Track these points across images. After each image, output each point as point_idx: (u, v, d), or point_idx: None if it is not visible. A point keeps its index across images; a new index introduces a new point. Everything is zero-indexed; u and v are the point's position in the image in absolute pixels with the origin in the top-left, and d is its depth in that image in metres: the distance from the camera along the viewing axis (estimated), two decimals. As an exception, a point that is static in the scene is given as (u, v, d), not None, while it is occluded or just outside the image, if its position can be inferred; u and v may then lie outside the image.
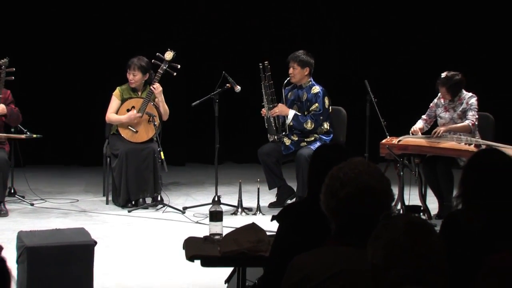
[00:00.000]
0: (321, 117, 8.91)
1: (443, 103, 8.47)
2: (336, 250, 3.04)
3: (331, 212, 3.10)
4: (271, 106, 9.00)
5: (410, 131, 8.47)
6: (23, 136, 8.72)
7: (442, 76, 8.35)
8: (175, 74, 9.08)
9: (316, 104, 8.90)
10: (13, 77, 8.66)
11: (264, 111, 9.05)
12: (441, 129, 8.29)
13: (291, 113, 8.94)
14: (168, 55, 9.06)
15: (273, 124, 9.03)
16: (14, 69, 8.66)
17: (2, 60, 8.68)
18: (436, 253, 2.46)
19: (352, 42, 11.72)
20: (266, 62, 8.98)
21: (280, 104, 9.02)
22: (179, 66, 9.05)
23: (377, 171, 3.10)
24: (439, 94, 8.48)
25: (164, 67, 9.05)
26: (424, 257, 2.43)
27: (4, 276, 4.33)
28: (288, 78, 9.00)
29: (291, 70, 8.94)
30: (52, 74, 11.27)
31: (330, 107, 9.01)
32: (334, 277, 2.96)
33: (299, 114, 8.94)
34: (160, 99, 9.08)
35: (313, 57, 8.97)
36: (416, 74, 11.09)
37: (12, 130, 8.86)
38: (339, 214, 3.07)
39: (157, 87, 9.03)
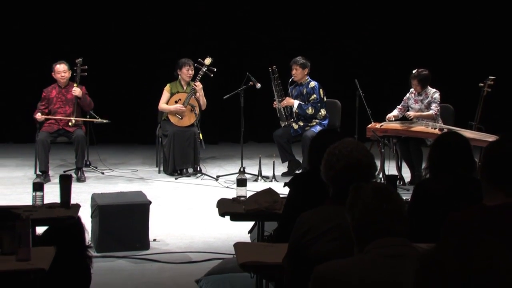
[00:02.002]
0: (319, 104, 8.90)
1: (413, 97, 8.44)
2: (333, 208, 3.03)
3: (329, 180, 3.09)
4: (281, 99, 9.00)
5: (386, 117, 8.45)
6: (95, 120, 8.76)
7: (413, 72, 8.35)
8: (212, 75, 9.06)
9: (314, 95, 8.90)
10: (86, 73, 8.67)
11: (275, 103, 9.04)
12: (411, 114, 8.29)
13: (296, 103, 8.94)
14: (207, 60, 9.03)
15: (283, 113, 9.03)
16: (86, 66, 8.67)
17: (78, 60, 8.70)
18: (399, 206, 2.44)
19: (345, 49, 11.66)
20: (274, 66, 8.99)
21: (287, 97, 9.02)
22: (215, 69, 9.02)
23: (364, 148, 3.09)
24: (411, 89, 8.46)
25: (204, 70, 9.02)
26: (391, 212, 2.42)
27: (80, 228, 4.36)
28: (291, 78, 9.00)
29: (294, 71, 8.95)
30: (118, 74, 11.27)
31: (325, 98, 9.00)
32: (331, 228, 2.96)
33: (302, 103, 8.93)
34: (201, 93, 9.06)
35: (309, 60, 8.97)
36: (394, 74, 11.02)
37: (87, 116, 8.89)
38: (335, 181, 3.07)
39: (198, 85, 9.01)
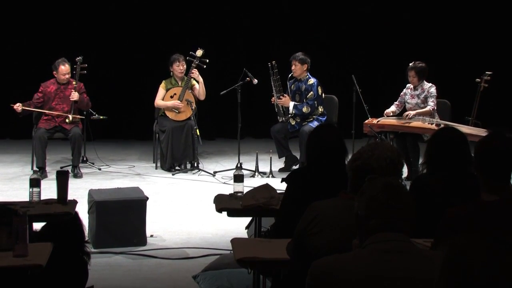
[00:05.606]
0: (315, 102, 8.86)
1: (410, 92, 8.45)
2: (345, 202, 3.04)
3: (348, 172, 3.12)
4: (279, 95, 8.98)
5: (384, 113, 8.46)
6: (92, 117, 8.76)
7: (410, 64, 8.37)
8: (204, 66, 9.05)
9: (312, 93, 8.86)
10: (85, 71, 8.68)
11: (273, 99, 9.03)
12: (411, 113, 8.27)
13: (291, 104, 8.89)
14: (199, 52, 9.03)
15: (281, 109, 9.02)
16: (86, 65, 8.67)
17: (78, 58, 8.70)
18: (405, 206, 2.45)
19: (343, 46, 11.65)
20: (273, 61, 8.98)
21: (285, 97, 8.96)
22: (207, 61, 9.02)
23: (387, 158, 3.07)
24: (407, 84, 8.47)
25: (196, 62, 9.02)
26: (396, 209, 2.42)
27: (78, 224, 4.36)
28: (291, 73, 8.99)
29: (293, 67, 8.92)
30: (115, 70, 11.25)
31: (323, 94, 8.97)
32: (337, 222, 3.01)
33: (297, 103, 8.89)
34: (200, 80, 9.04)
35: (309, 56, 8.95)
36: (391, 69, 11.02)
37: (85, 113, 8.88)
38: (350, 176, 3.11)
39: (194, 72, 9.00)
